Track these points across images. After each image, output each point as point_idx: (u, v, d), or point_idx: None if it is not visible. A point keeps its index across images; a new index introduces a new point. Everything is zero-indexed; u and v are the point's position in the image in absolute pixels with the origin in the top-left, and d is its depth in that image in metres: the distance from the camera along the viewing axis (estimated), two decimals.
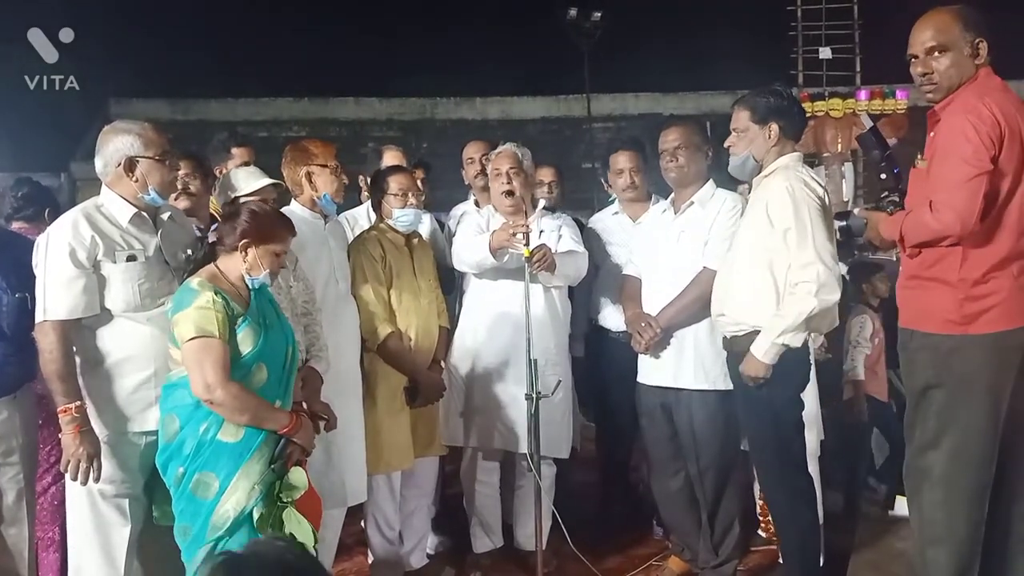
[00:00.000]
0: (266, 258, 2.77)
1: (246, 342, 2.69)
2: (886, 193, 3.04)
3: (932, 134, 2.85)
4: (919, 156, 2.90)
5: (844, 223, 3.14)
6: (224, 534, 2.62)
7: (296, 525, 2.69)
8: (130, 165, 2.83)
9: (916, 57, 2.84)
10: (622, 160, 4.17)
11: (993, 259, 2.73)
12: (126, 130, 2.86)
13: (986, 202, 2.66)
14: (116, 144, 2.84)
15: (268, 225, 2.81)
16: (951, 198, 2.66)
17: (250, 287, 2.79)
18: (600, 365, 4.20)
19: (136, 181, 2.84)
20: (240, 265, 2.76)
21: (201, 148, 4.21)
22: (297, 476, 2.72)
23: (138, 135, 2.84)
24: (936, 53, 2.78)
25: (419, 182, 4.31)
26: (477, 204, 4.26)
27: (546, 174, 4.50)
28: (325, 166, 3.46)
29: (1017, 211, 2.72)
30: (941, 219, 2.67)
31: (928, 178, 2.79)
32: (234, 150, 4.26)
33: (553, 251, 3.61)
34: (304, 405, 2.98)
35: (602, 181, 4.65)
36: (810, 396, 3.50)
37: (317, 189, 3.47)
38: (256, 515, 2.63)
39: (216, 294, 2.65)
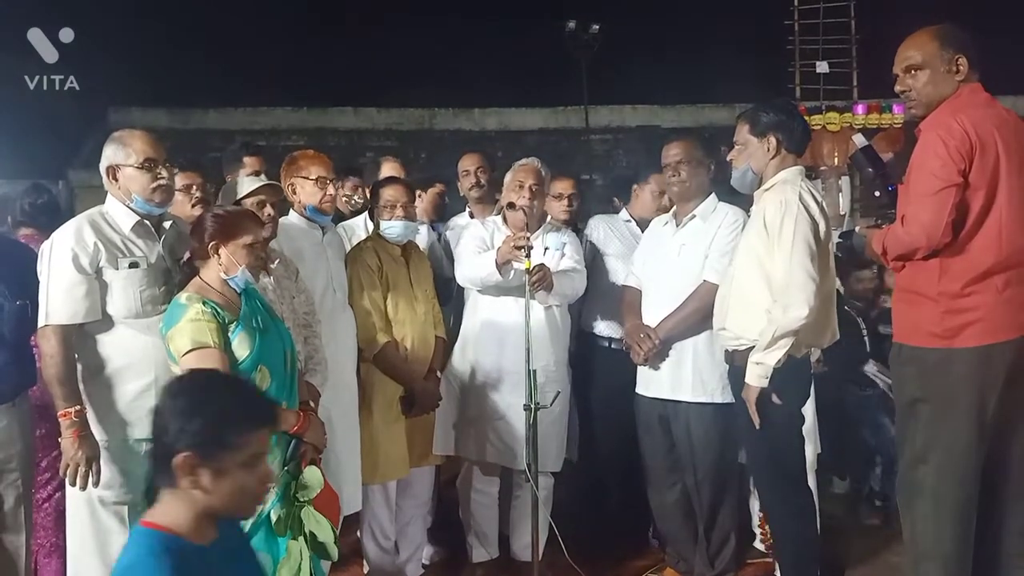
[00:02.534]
0: (238, 253, 2.73)
1: (241, 348, 2.68)
2: (890, 211, 3.07)
3: None
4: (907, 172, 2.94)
5: (848, 241, 3.16)
6: None
7: (315, 524, 2.70)
8: (113, 173, 2.88)
9: (898, 75, 2.91)
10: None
11: (972, 272, 2.74)
12: (113, 139, 2.92)
13: (957, 215, 2.70)
14: (105, 152, 2.90)
15: (230, 220, 2.78)
16: (918, 211, 2.72)
17: (236, 289, 2.77)
18: (595, 375, 4.18)
19: (120, 189, 2.88)
20: (218, 269, 2.75)
21: (199, 157, 4.22)
22: (312, 475, 2.73)
23: (121, 144, 2.88)
24: (913, 71, 2.85)
25: (437, 195, 4.48)
26: (471, 216, 4.28)
27: (566, 186, 4.26)
28: (307, 178, 3.47)
29: (996, 225, 2.74)
30: (909, 231, 2.74)
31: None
32: (246, 159, 4.29)
33: (554, 269, 3.61)
34: (312, 404, 2.98)
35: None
36: (808, 410, 3.51)
37: (301, 201, 3.49)
38: (274, 517, 2.64)
39: (204, 304, 2.64)
